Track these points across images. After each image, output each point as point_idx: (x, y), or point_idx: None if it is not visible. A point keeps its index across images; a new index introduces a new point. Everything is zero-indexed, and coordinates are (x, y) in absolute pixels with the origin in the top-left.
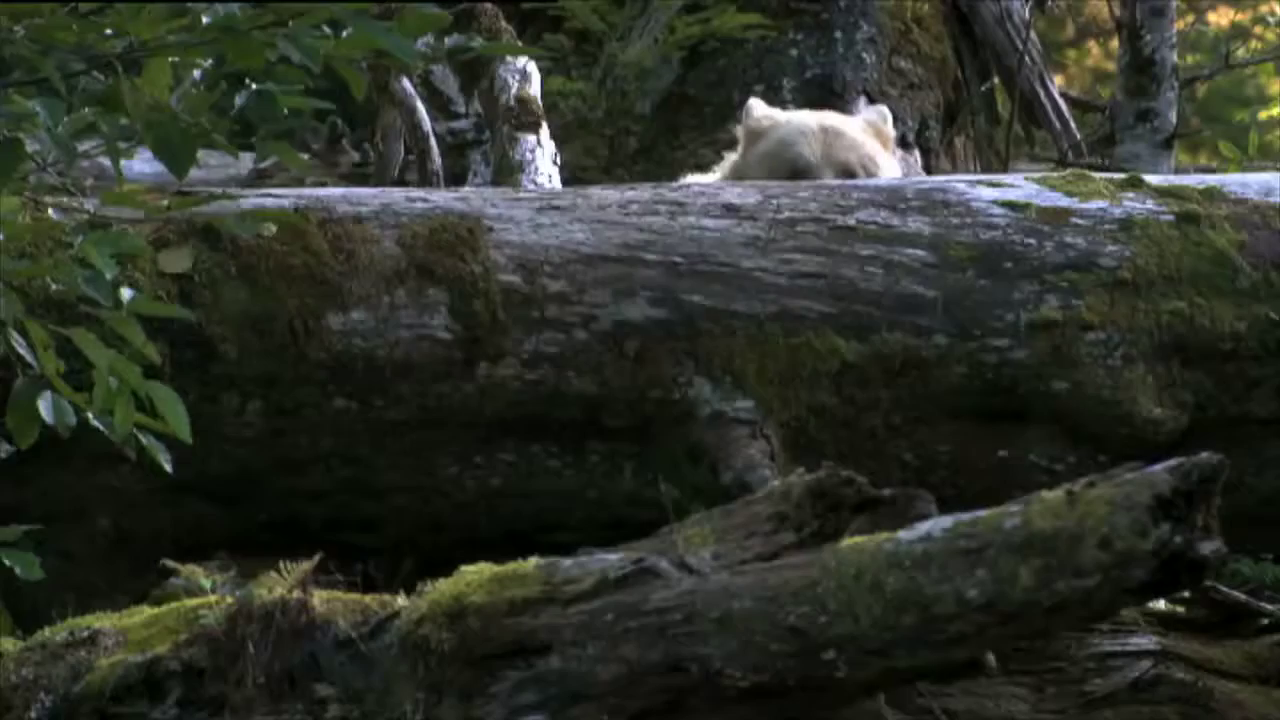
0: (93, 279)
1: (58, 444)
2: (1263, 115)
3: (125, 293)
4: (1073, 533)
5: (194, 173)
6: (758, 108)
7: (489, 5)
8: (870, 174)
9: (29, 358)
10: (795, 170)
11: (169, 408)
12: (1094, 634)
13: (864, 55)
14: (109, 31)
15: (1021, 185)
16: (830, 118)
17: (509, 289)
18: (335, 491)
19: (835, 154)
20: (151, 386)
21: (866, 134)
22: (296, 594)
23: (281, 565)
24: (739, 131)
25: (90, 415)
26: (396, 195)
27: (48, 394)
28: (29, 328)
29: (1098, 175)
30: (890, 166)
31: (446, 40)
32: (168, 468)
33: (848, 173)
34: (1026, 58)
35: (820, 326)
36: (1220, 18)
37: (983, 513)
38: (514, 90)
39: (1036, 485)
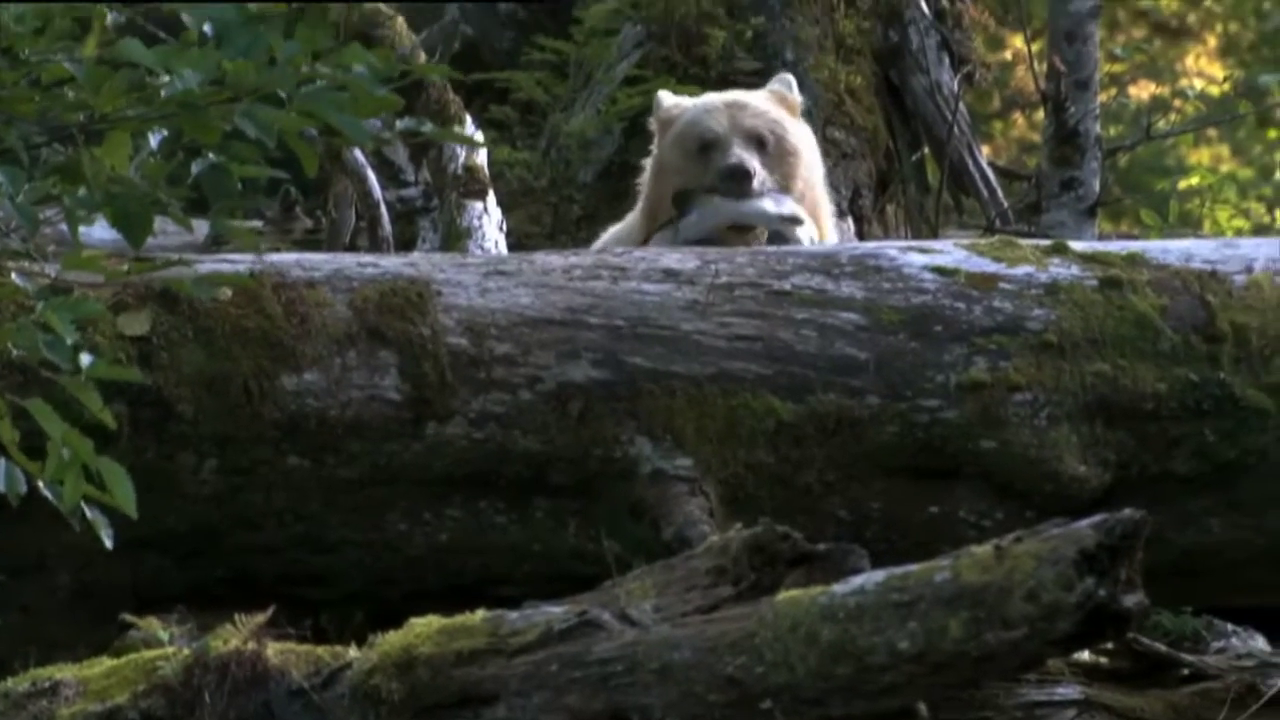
0: (53, 344)
1: (11, 510)
2: (1182, 185)
3: (85, 358)
4: (1001, 586)
5: (152, 240)
6: (666, 98)
7: (437, 78)
8: (778, 137)
9: None
10: (705, 142)
11: (116, 483)
12: (1021, 684)
13: None
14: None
15: (951, 251)
16: (735, 93)
17: (457, 351)
18: (289, 546)
19: (742, 123)
20: (102, 462)
21: (772, 103)
22: (251, 646)
23: (237, 618)
24: (653, 125)
25: (41, 484)
26: (348, 260)
27: (1, 461)
28: None
29: (1024, 242)
30: (797, 131)
31: (398, 122)
32: (109, 542)
33: (756, 138)
34: (955, 129)
35: (757, 387)
36: (1141, 91)
37: (914, 567)
38: (461, 160)
39: (966, 541)
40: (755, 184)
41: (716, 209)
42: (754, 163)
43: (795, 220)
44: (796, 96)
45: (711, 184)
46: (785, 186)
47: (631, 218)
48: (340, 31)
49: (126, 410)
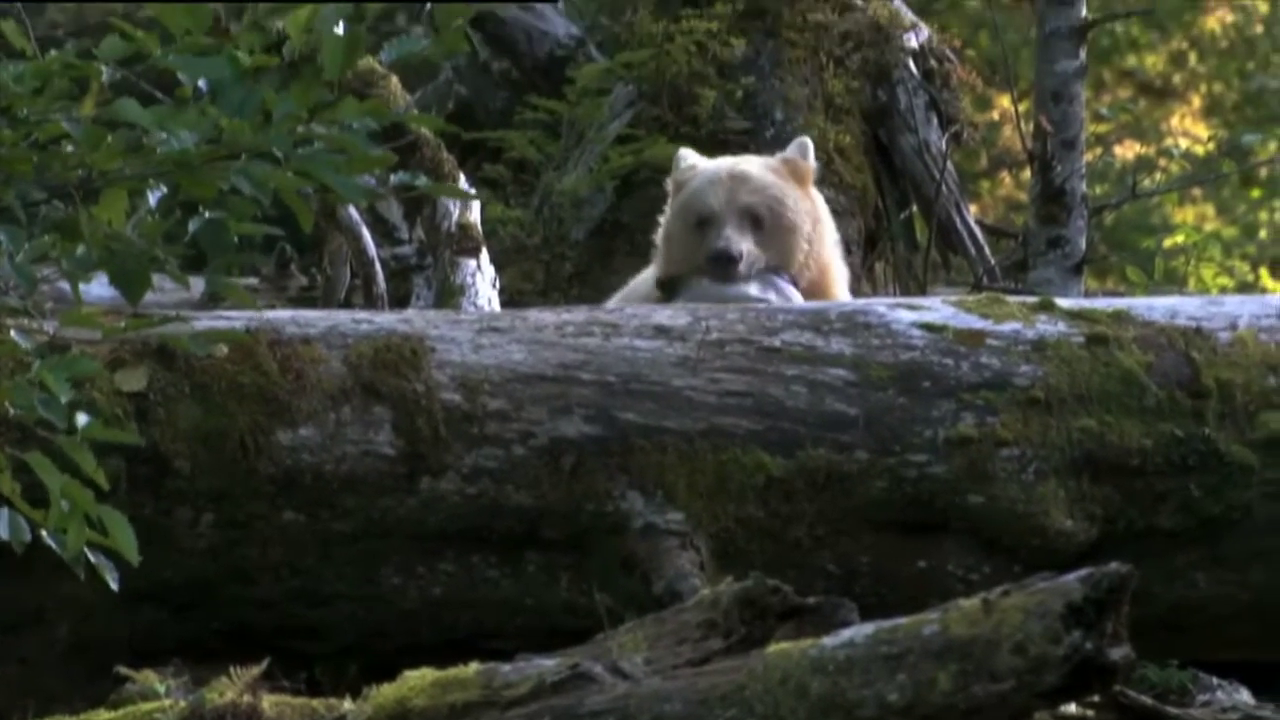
0: (48, 403)
1: (19, 555)
2: (1167, 243)
3: (81, 418)
4: (989, 639)
5: (149, 296)
6: (687, 158)
7: (431, 136)
8: (775, 214)
9: None
10: (701, 218)
11: (118, 530)
12: None
13: None
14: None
15: (939, 308)
16: (743, 163)
17: (450, 407)
18: (284, 600)
19: (739, 199)
20: (103, 510)
21: (777, 174)
22: (247, 698)
23: (232, 671)
24: (669, 184)
25: (44, 533)
26: (343, 317)
27: (4, 512)
28: None
29: (1012, 299)
30: (798, 205)
31: (391, 177)
32: (114, 585)
33: (752, 216)
34: (943, 187)
35: (748, 443)
36: (1126, 150)
37: (903, 620)
38: (455, 217)
39: (954, 594)
40: (742, 267)
41: (703, 291)
42: (743, 245)
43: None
44: (810, 163)
45: (701, 265)
46: (783, 263)
47: (646, 273)
48: (335, 89)
49: (124, 465)
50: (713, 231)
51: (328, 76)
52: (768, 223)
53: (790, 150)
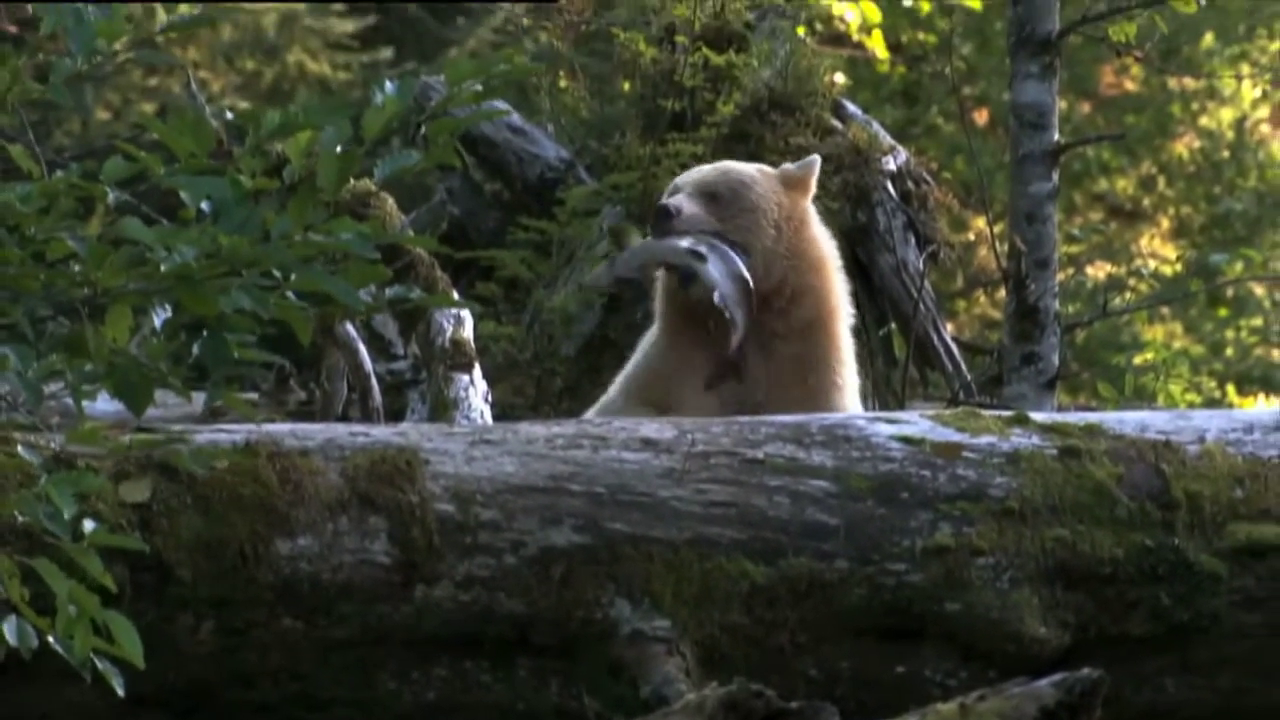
0: (53, 515)
1: (24, 662)
2: (1137, 359)
3: (88, 524)
4: None
5: (152, 410)
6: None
7: (426, 255)
8: (735, 193)
9: None
10: (667, 193)
11: (124, 635)
12: None
13: None
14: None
15: (917, 422)
16: (728, 162)
17: (444, 517)
18: (283, 704)
19: (701, 177)
20: (109, 615)
21: (761, 173)
22: None
23: None
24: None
25: (51, 639)
26: (340, 430)
27: (13, 618)
28: None
29: (987, 413)
30: (768, 194)
31: (387, 291)
32: (120, 691)
33: (708, 191)
34: (921, 305)
35: (732, 551)
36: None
37: None
38: (449, 334)
39: (932, 698)
40: (677, 223)
41: (641, 247)
42: (687, 206)
43: (699, 256)
44: (806, 174)
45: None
46: (744, 242)
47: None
48: (331, 209)
49: (128, 574)
50: (666, 197)
51: (325, 196)
52: (725, 199)
53: (793, 165)
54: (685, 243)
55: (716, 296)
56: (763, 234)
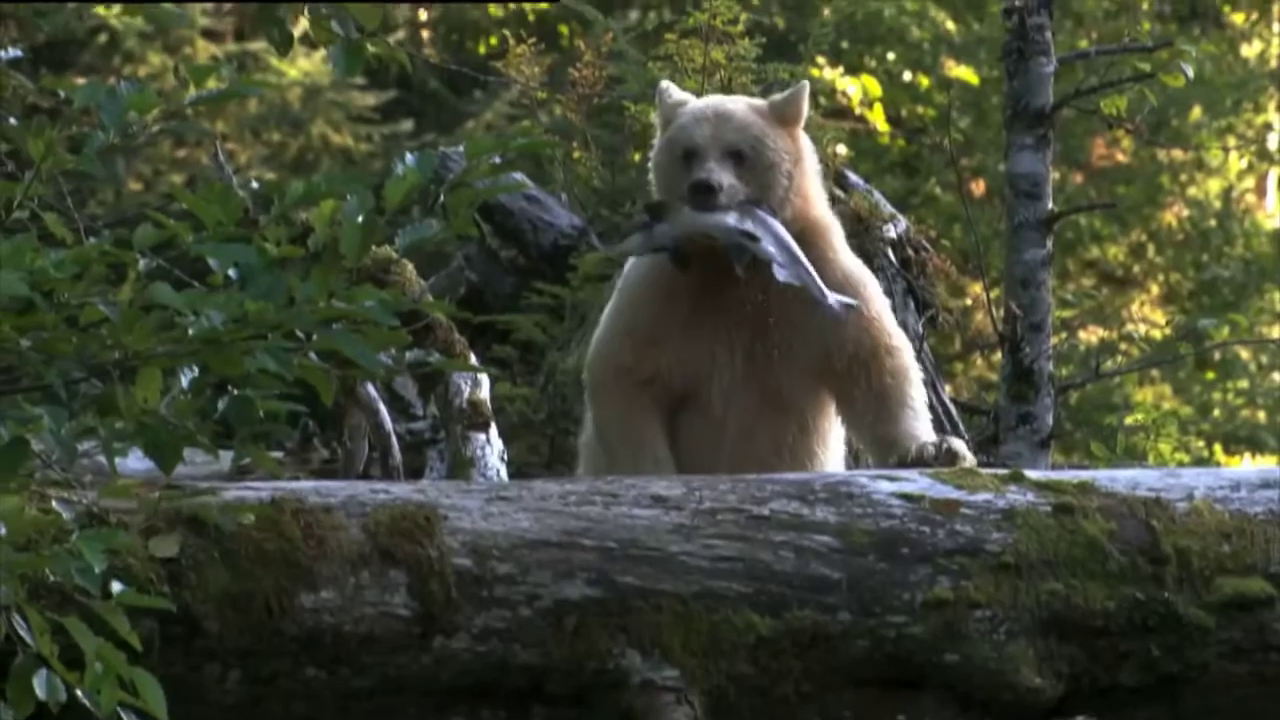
0: (84, 571)
1: (53, 715)
2: (1129, 420)
3: (116, 585)
4: None
5: (180, 469)
6: (672, 93)
7: (444, 319)
8: (756, 151)
9: (28, 639)
10: (686, 151)
11: (148, 691)
12: None
13: None
14: (106, 336)
15: (917, 479)
16: (728, 102)
17: (461, 571)
18: None
19: (723, 135)
20: (134, 672)
21: (760, 114)
22: None
23: None
24: (655, 117)
25: (79, 693)
26: (362, 488)
27: (43, 672)
28: (28, 613)
29: (984, 471)
30: (778, 144)
31: (407, 354)
32: None
33: (734, 152)
34: (921, 367)
35: (738, 604)
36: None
37: None
38: (466, 395)
39: None
40: (722, 198)
41: (684, 220)
42: (724, 177)
43: (751, 237)
44: (799, 108)
45: (684, 194)
46: (763, 196)
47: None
48: (353, 275)
49: (157, 626)
50: (696, 164)
51: (348, 264)
52: (749, 159)
53: (781, 95)
54: (731, 219)
55: (781, 275)
56: (779, 185)
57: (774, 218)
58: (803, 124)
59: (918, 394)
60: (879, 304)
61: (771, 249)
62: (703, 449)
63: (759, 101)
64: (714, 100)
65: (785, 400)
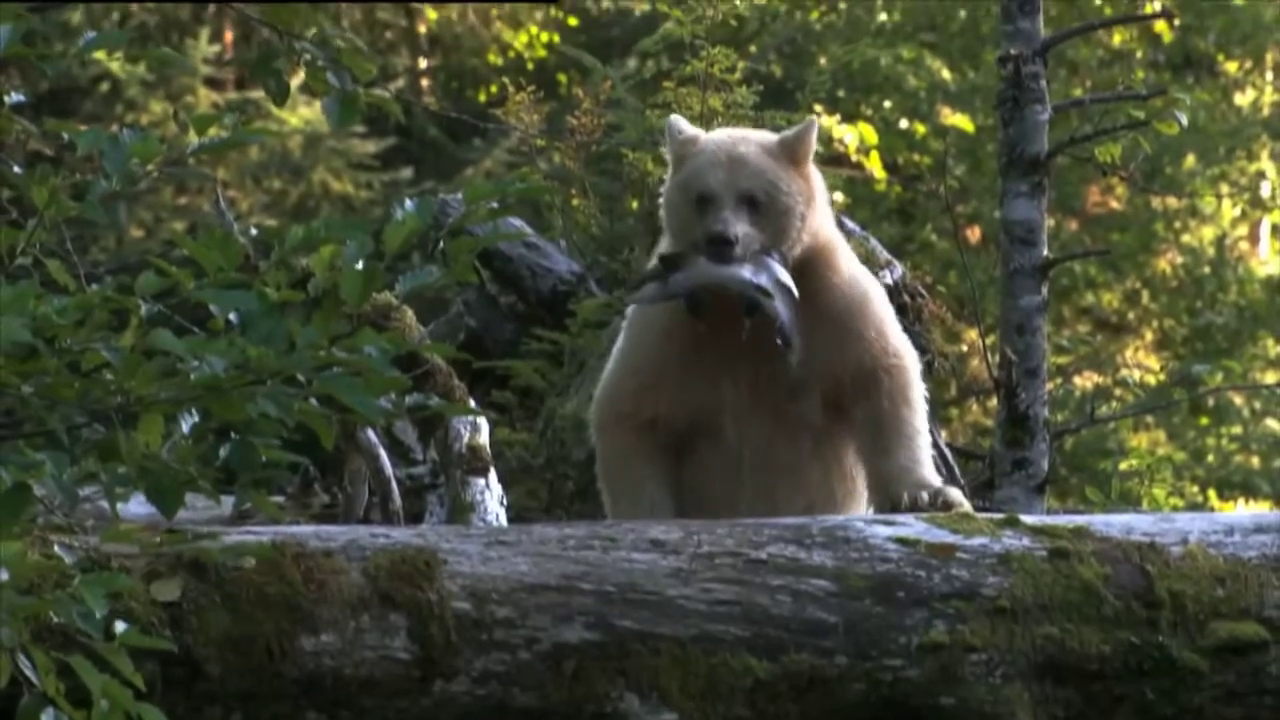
0: (86, 615)
1: None
2: (1123, 465)
3: (119, 625)
4: None
5: (182, 513)
6: (681, 129)
7: (444, 364)
8: (771, 197)
9: (34, 679)
10: (701, 197)
11: None
12: None
13: None
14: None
15: (913, 524)
16: (741, 145)
17: (461, 615)
18: None
19: (737, 183)
20: (141, 707)
21: (774, 157)
22: None
23: None
24: (666, 152)
25: None
26: (362, 532)
27: (50, 710)
28: (33, 653)
29: (980, 515)
30: (792, 187)
31: (407, 399)
32: None
33: (749, 198)
34: None
35: (736, 648)
36: (1085, 380)
37: None
38: (466, 440)
39: None
40: (738, 250)
41: (699, 270)
42: (739, 228)
43: (766, 293)
44: (809, 145)
45: (699, 243)
46: (776, 242)
47: (661, 246)
48: (354, 320)
49: (159, 669)
50: (712, 212)
51: (348, 309)
52: (763, 204)
53: (791, 131)
54: (746, 273)
55: (782, 330)
56: (793, 229)
57: (785, 266)
58: (810, 159)
59: (917, 419)
60: (878, 322)
61: (780, 307)
62: (723, 481)
63: (770, 139)
64: (727, 141)
65: (799, 424)
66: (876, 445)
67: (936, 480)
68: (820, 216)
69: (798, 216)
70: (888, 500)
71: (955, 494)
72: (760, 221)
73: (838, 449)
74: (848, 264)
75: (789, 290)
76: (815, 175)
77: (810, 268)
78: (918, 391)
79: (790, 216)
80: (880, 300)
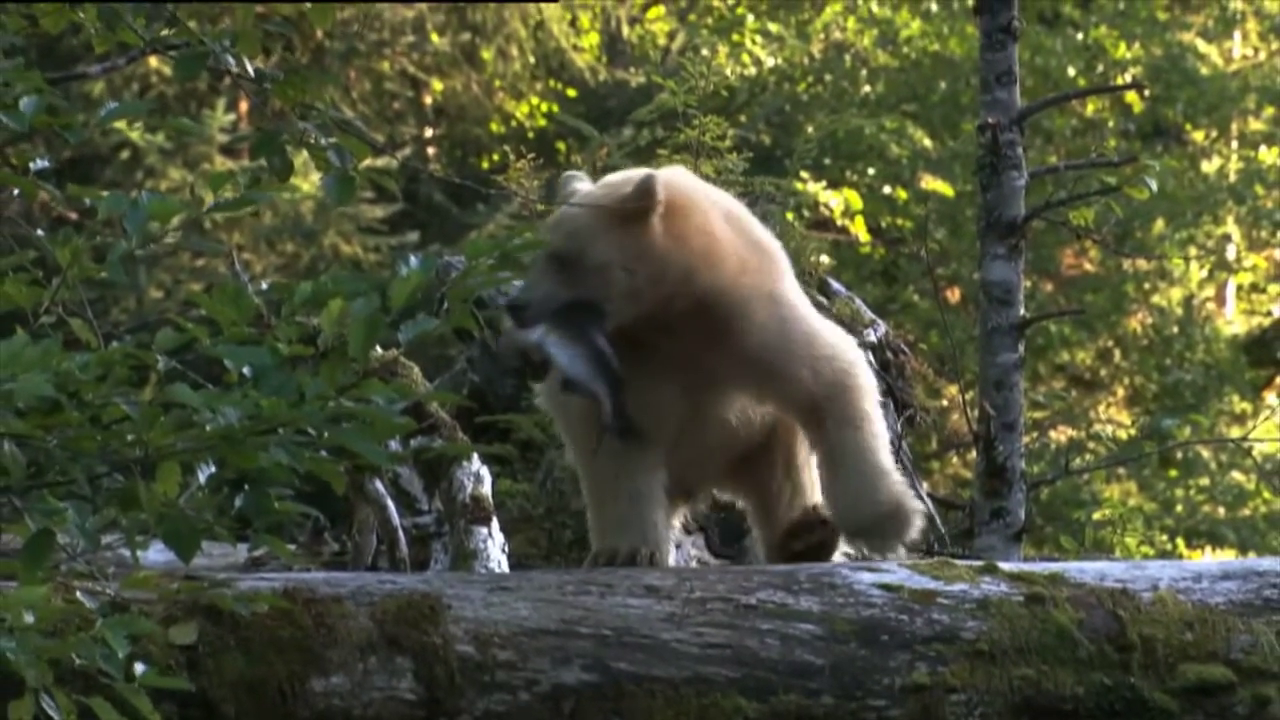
0: (108, 657)
1: None
2: (1096, 515)
3: (139, 667)
4: None
5: (198, 560)
6: (570, 181)
7: (448, 419)
8: (581, 253)
9: (57, 719)
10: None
11: None
12: None
13: None
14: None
15: (896, 571)
16: (573, 205)
17: (464, 657)
18: None
19: (553, 241)
20: None
21: (601, 217)
22: None
23: None
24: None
25: None
26: (370, 578)
27: None
28: (56, 695)
29: (960, 563)
30: (611, 243)
31: (412, 441)
32: None
33: (559, 259)
34: (899, 465)
35: (727, 689)
36: (1060, 434)
37: None
38: (469, 490)
39: None
40: (530, 314)
41: (505, 339)
42: (541, 290)
43: (545, 348)
44: (648, 201)
45: None
46: (596, 298)
47: None
48: (361, 373)
49: (177, 711)
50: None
51: (352, 354)
52: (572, 262)
53: (635, 185)
54: (535, 335)
55: (563, 383)
56: (614, 282)
57: (598, 323)
58: (658, 213)
59: (863, 436)
60: (810, 360)
61: (564, 361)
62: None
63: (611, 197)
64: (572, 199)
65: (736, 432)
66: (827, 471)
67: (889, 496)
68: (716, 273)
69: (618, 267)
70: (840, 529)
71: (898, 516)
72: (569, 278)
73: (791, 459)
74: (767, 311)
75: (588, 351)
76: (701, 233)
77: (719, 321)
78: (867, 404)
79: (605, 270)
80: (809, 338)
